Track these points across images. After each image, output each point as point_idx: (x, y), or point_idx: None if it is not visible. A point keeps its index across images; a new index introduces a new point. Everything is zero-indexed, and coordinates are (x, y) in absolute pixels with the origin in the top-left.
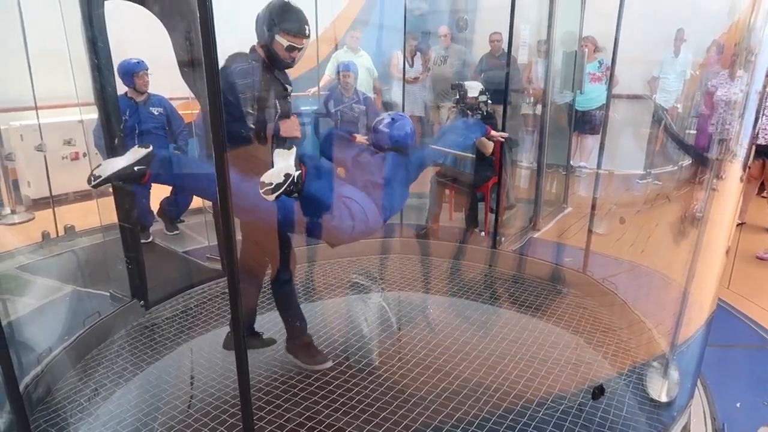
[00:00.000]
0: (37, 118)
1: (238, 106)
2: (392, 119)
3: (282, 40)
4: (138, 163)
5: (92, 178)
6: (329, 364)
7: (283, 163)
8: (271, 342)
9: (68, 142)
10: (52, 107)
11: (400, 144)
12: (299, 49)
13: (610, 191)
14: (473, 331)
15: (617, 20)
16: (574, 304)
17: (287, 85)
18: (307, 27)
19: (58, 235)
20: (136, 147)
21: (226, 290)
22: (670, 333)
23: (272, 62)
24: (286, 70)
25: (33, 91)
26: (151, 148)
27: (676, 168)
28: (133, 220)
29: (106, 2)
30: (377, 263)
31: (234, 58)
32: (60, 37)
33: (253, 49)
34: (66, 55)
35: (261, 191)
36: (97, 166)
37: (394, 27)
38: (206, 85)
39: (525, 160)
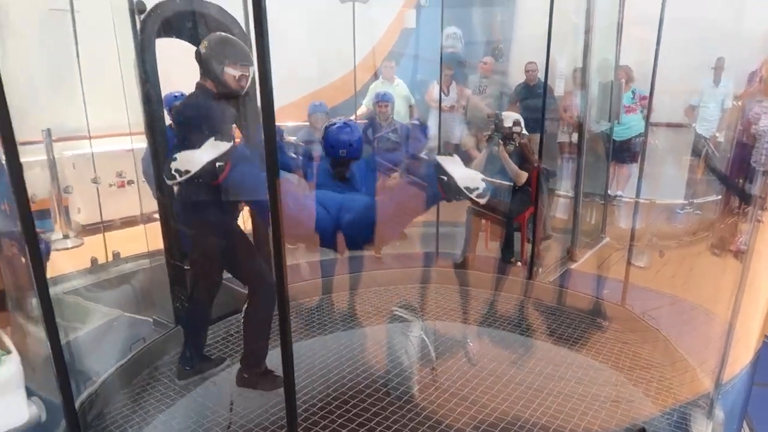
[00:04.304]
0: (91, 147)
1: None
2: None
3: (233, 72)
4: (220, 158)
5: (176, 174)
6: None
7: (205, 156)
8: (221, 361)
9: (119, 175)
10: (105, 136)
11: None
12: (247, 77)
13: (650, 221)
14: (510, 364)
15: (656, 49)
16: (613, 338)
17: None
18: (250, 55)
19: (107, 261)
20: (213, 140)
21: None
22: (714, 371)
23: (223, 94)
24: None
25: (87, 121)
26: (232, 142)
27: (719, 198)
28: (179, 252)
29: (157, 40)
30: (413, 292)
31: (193, 96)
32: (115, 70)
33: (200, 85)
34: (120, 87)
35: (172, 174)
36: (173, 160)
37: (430, 57)
38: (262, 115)
39: (561, 188)
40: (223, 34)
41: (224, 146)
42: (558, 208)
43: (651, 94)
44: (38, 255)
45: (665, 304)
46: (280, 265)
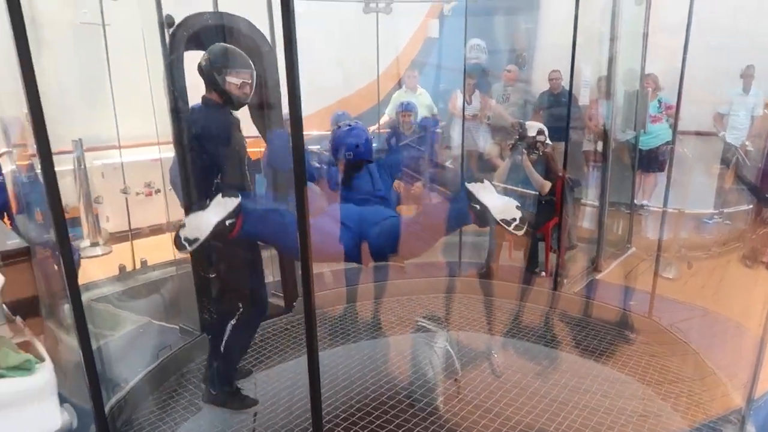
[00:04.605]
0: (120, 156)
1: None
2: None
3: (235, 80)
4: (229, 216)
5: (186, 243)
6: (257, 405)
7: (214, 218)
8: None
9: (148, 185)
10: (133, 146)
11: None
12: (249, 84)
13: (678, 231)
14: (535, 376)
15: (683, 56)
16: (641, 351)
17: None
18: (250, 61)
19: (134, 269)
20: (220, 197)
21: (288, 327)
22: (745, 386)
23: (229, 104)
24: None
25: (117, 131)
26: (239, 197)
27: (750, 207)
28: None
29: (186, 52)
30: (436, 302)
31: (200, 110)
32: (144, 81)
33: (205, 99)
34: (149, 97)
35: (179, 244)
36: (182, 227)
37: (454, 66)
38: (291, 126)
39: (586, 197)
40: (221, 44)
41: (232, 203)
42: (584, 218)
43: (678, 102)
44: (72, 264)
45: (694, 316)
46: (308, 275)
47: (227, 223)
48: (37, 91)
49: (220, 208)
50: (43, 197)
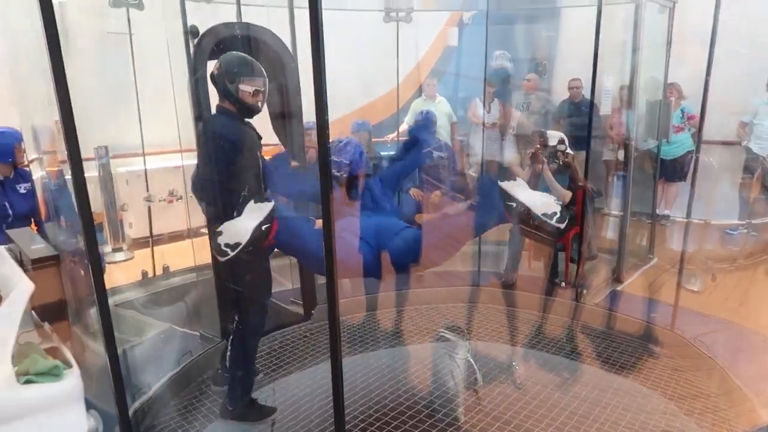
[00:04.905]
0: (144, 164)
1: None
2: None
3: (247, 88)
4: (265, 220)
5: (228, 248)
6: (276, 412)
7: (251, 223)
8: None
9: (171, 192)
10: (156, 153)
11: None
12: (262, 91)
13: (702, 242)
14: (555, 388)
15: (707, 64)
16: (663, 364)
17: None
18: (262, 68)
19: (154, 275)
20: (252, 203)
21: (307, 334)
22: None
23: (243, 113)
24: None
25: (142, 139)
26: (272, 201)
27: None
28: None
29: (209, 62)
30: (455, 311)
31: (215, 119)
32: (168, 89)
33: (219, 108)
34: (172, 105)
35: (220, 250)
36: (219, 234)
37: (473, 74)
38: (317, 135)
39: (607, 207)
40: (233, 52)
41: (267, 207)
42: (606, 228)
43: (703, 111)
44: (100, 271)
45: (719, 329)
46: (332, 285)
47: (263, 228)
48: (69, 100)
49: (256, 213)
50: (71, 203)
